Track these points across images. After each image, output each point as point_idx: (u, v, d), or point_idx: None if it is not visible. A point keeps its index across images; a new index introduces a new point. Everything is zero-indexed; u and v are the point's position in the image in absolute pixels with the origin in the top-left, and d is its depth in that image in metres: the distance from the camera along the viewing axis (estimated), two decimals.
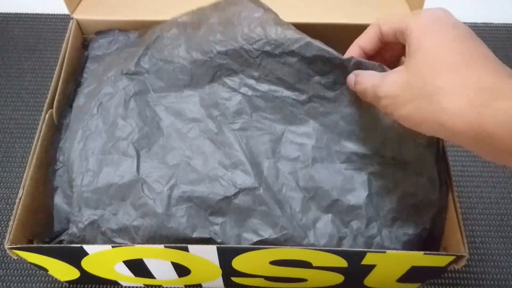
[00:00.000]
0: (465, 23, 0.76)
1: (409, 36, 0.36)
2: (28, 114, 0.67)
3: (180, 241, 0.41)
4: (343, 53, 0.53)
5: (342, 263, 0.41)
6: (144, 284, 0.51)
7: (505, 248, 0.57)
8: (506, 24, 0.76)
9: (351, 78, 0.42)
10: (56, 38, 0.74)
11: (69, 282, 0.51)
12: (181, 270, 0.45)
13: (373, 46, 0.42)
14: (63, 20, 0.76)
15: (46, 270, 0.45)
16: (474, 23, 0.76)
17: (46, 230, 0.42)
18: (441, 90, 0.32)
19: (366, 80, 0.39)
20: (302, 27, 0.54)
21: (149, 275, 0.47)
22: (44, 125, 0.45)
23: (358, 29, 0.54)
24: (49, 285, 0.53)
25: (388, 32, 0.39)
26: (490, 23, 0.76)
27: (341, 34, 0.55)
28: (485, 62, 0.32)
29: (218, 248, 0.39)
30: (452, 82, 0.32)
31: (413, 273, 0.44)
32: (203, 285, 0.50)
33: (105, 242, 0.42)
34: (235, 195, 0.42)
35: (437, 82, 0.32)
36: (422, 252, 0.39)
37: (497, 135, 0.30)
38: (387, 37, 0.40)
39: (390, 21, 0.39)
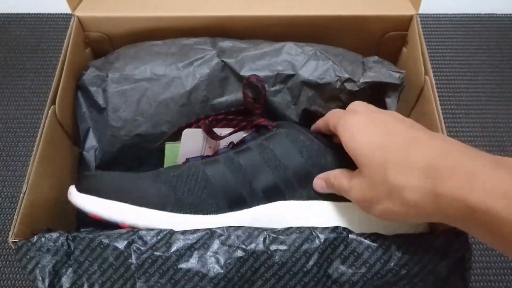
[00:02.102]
0: (469, 14, 0.77)
1: (344, 139, 0.37)
2: (31, 114, 0.67)
3: None
4: (343, 46, 0.53)
5: None
6: None
7: None
8: (510, 15, 0.76)
9: (318, 183, 0.41)
10: (58, 37, 0.74)
11: None
12: None
13: (330, 133, 0.43)
14: (65, 19, 0.76)
15: None
16: (478, 14, 0.76)
17: (49, 225, 0.42)
18: (401, 186, 0.32)
19: (336, 185, 0.39)
20: (301, 20, 0.54)
21: None
22: (46, 121, 0.45)
23: (357, 21, 0.54)
24: None
25: (333, 129, 0.40)
26: (494, 14, 0.76)
27: (340, 26, 0.55)
28: (428, 145, 0.33)
29: None
30: (407, 175, 0.32)
31: None
32: None
33: None
34: None
35: (394, 180, 0.33)
36: None
37: (452, 216, 0.30)
38: (335, 131, 0.41)
39: (332, 120, 0.40)
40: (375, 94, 0.50)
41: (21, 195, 0.40)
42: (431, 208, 0.31)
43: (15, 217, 0.39)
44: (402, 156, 0.33)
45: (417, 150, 0.33)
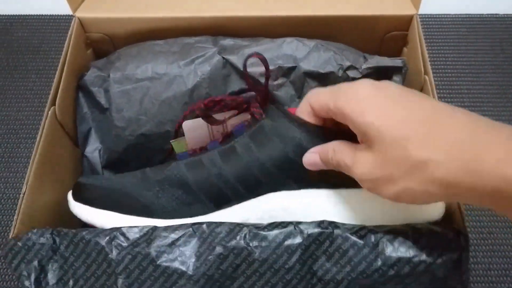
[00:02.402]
0: (471, 14, 0.76)
1: (351, 115, 0.33)
2: (33, 115, 0.67)
3: None
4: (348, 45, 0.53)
5: None
6: None
7: None
8: None
9: (310, 157, 0.37)
10: (60, 39, 0.74)
11: None
12: None
13: (312, 121, 0.38)
14: (67, 20, 0.76)
15: None
16: (480, 14, 0.76)
17: (52, 226, 0.42)
18: (427, 162, 0.29)
19: (334, 160, 0.35)
20: (303, 20, 0.54)
21: None
22: (46, 122, 0.45)
23: (359, 21, 0.54)
24: None
25: (319, 110, 0.36)
26: (496, 14, 0.76)
27: (341, 26, 0.55)
28: (452, 117, 0.30)
29: None
30: (434, 150, 0.29)
31: None
32: None
33: None
34: None
35: (417, 156, 0.30)
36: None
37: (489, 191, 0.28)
38: (320, 114, 0.37)
39: (318, 100, 0.36)
40: None
41: (21, 195, 0.40)
42: (463, 184, 0.28)
43: (15, 217, 0.39)
44: (425, 130, 0.30)
45: (442, 124, 0.30)
